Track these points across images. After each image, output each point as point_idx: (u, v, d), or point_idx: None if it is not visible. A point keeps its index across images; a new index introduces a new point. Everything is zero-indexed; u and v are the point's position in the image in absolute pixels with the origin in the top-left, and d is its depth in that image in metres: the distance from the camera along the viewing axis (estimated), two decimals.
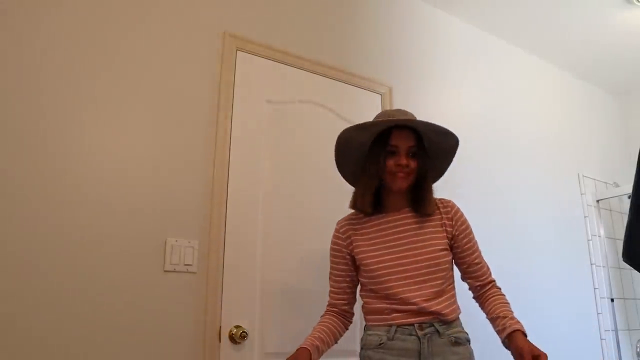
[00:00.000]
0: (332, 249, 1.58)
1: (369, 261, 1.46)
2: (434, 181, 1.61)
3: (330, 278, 1.58)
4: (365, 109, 2.42)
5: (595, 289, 3.20)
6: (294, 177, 2.07)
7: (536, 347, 1.26)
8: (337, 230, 1.58)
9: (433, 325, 1.40)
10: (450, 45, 2.93)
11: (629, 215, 1.79)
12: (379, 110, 2.49)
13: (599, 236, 3.36)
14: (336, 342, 1.53)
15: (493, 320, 1.46)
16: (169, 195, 1.75)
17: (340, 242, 1.56)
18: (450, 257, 1.51)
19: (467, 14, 2.99)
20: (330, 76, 2.32)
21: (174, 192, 1.76)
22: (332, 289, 1.57)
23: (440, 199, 1.57)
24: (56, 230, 1.53)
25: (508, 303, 1.50)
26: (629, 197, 3.04)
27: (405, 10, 2.76)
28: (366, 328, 1.49)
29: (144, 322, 1.61)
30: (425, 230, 1.48)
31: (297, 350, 1.38)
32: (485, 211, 2.75)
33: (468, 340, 1.50)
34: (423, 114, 2.64)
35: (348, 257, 1.54)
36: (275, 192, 1.99)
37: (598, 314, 3.14)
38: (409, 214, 1.52)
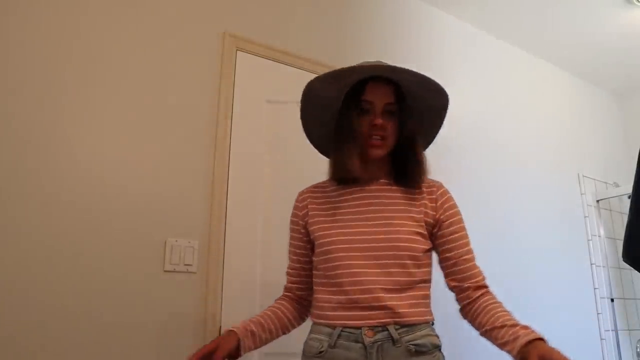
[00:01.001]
0: (290, 222, 1.32)
1: (319, 233, 1.19)
2: (426, 147, 1.37)
3: (288, 257, 1.33)
4: None
5: (595, 289, 3.20)
6: (294, 177, 2.07)
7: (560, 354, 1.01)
8: (296, 200, 1.32)
9: (387, 330, 1.08)
10: (450, 45, 2.93)
11: (629, 215, 1.79)
12: None
13: (599, 236, 3.36)
14: (286, 333, 1.28)
15: (495, 330, 1.08)
16: (169, 196, 1.75)
17: (297, 212, 1.30)
18: (428, 248, 1.21)
19: (467, 14, 2.99)
20: None
21: (174, 192, 1.76)
22: (288, 270, 1.32)
23: (428, 180, 1.29)
24: (56, 230, 1.53)
25: (511, 313, 1.15)
26: (629, 197, 3.04)
27: (405, 10, 2.76)
28: (311, 328, 1.21)
29: (144, 322, 1.61)
30: (400, 207, 1.19)
31: (225, 332, 1.14)
32: (484, 211, 2.75)
33: (437, 347, 1.18)
34: None
35: (304, 231, 1.27)
36: (275, 192, 1.99)
37: (598, 314, 3.14)
38: (384, 186, 1.24)
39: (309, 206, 1.27)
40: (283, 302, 1.28)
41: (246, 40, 2.08)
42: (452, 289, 1.24)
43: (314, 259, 1.23)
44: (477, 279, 1.21)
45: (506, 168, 2.96)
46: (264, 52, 2.12)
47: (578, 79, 3.75)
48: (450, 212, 1.23)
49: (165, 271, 1.68)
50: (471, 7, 2.93)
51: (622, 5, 2.91)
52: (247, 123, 2.00)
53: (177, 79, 1.87)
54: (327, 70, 2.37)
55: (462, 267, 1.20)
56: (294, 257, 1.30)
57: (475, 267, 1.23)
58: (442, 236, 1.21)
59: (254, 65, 2.08)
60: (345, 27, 2.47)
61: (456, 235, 1.22)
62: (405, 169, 1.21)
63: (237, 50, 2.04)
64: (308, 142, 2.18)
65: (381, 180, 1.25)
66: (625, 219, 1.85)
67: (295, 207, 1.31)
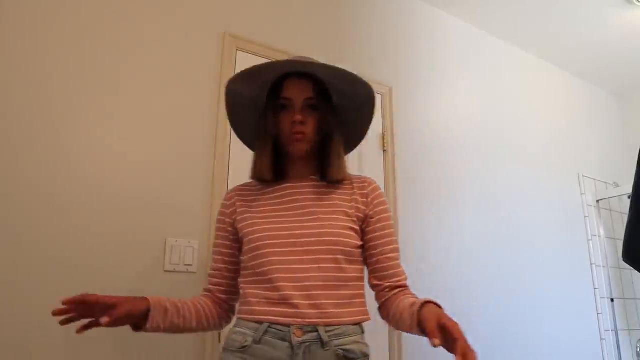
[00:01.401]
0: (217, 222, 1.28)
1: (247, 230, 1.15)
2: (354, 146, 1.35)
3: (213, 258, 1.27)
4: None
5: (595, 289, 3.20)
6: None
7: (447, 316, 0.92)
8: (224, 199, 1.29)
9: (317, 331, 1.03)
10: (450, 45, 2.93)
11: (629, 215, 1.79)
12: (379, 111, 2.49)
13: (599, 236, 3.36)
14: (200, 328, 1.17)
15: (402, 318, 1.06)
16: (169, 196, 1.75)
17: (224, 211, 1.26)
18: (361, 244, 1.17)
19: (467, 14, 2.99)
20: None
21: (174, 192, 1.76)
22: (211, 271, 1.26)
23: (359, 176, 1.26)
24: (56, 230, 1.53)
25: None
26: (629, 197, 3.04)
27: (405, 10, 2.76)
28: (235, 323, 1.14)
29: None
30: (330, 202, 1.16)
31: (134, 298, 1.03)
32: (484, 211, 2.75)
33: (366, 356, 1.11)
34: (423, 114, 2.64)
35: (231, 229, 1.23)
36: None
37: (598, 314, 3.14)
38: (314, 182, 1.21)
39: (236, 204, 1.23)
40: (203, 298, 1.22)
41: (246, 40, 2.08)
42: (372, 287, 1.20)
43: (243, 257, 1.17)
44: (398, 279, 1.17)
45: (506, 168, 2.96)
46: (264, 52, 2.12)
47: (578, 79, 3.75)
48: (380, 208, 1.20)
49: (165, 271, 1.68)
50: (472, 8, 2.93)
51: (622, 5, 2.91)
52: None
53: (177, 79, 1.87)
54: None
55: (384, 265, 1.17)
56: (219, 258, 1.25)
57: (398, 266, 1.19)
58: (369, 232, 1.18)
59: (254, 65, 2.08)
60: (346, 27, 2.47)
61: (383, 232, 1.18)
62: (328, 164, 1.19)
63: (237, 50, 2.04)
64: None
65: (311, 177, 1.23)
66: (625, 219, 1.85)
67: (223, 206, 1.27)
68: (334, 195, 1.18)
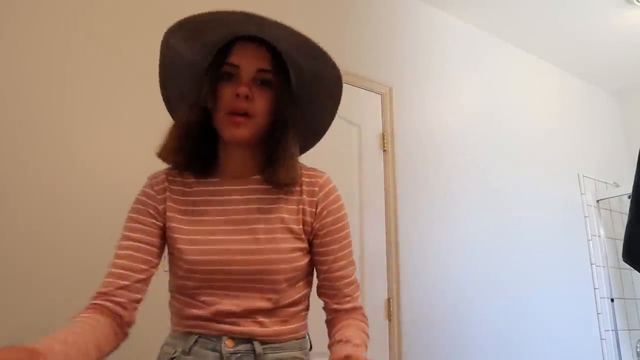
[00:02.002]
0: (134, 210, 0.96)
1: (185, 247, 0.91)
2: (309, 145, 1.09)
3: (116, 253, 0.94)
4: (366, 109, 2.43)
5: (595, 289, 3.20)
6: None
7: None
8: (149, 185, 0.98)
9: (251, 342, 0.91)
10: (450, 45, 2.93)
11: (629, 215, 1.79)
12: (379, 111, 2.49)
13: (599, 236, 3.36)
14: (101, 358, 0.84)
15: (332, 346, 0.93)
16: None
17: (149, 202, 0.95)
18: (308, 260, 0.97)
19: (467, 14, 2.99)
20: None
21: None
22: (113, 270, 0.91)
23: (310, 169, 1.01)
24: (57, 230, 1.53)
25: (367, 335, 0.99)
26: (629, 197, 3.04)
27: (405, 10, 2.76)
28: (169, 334, 1.01)
29: (145, 322, 1.61)
30: (274, 215, 0.93)
31: (20, 349, 0.67)
32: (484, 211, 2.75)
33: None
34: (423, 114, 2.64)
35: (160, 224, 0.95)
36: None
37: (598, 314, 3.14)
38: (256, 185, 0.95)
39: (167, 201, 0.95)
40: (98, 316, 0.86)
41: None
42: (320, 296, 1.01)
43: (172, 265, 0.95)
44: (345, 300, 0.98)
45: (506, 168, 2.96)
46: None
47: (578, 79, 3.75)
48: (330, 219, 0.97)
49: (165, 271, 1.67)
50: (472, 8, 2.93)
51: (622, 5, 2.91)
52: None
53: None
54: None
55: (331, 284, 0.97)
56: (131, 254, 0.91)
57: (347, 285, 0.98)
58: (316, 246, 0.97)
59: None
60: (346, 27, 2.47)
61: (331, 247, 0.97)
62: (275, 161, 0.92)
63: None
64: None
65: (254, 177, 0.96)
66: (625, 219, 1.85)
67: (147, 195, 0.96)
68: (279, 205, 0.94)
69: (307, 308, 1.01)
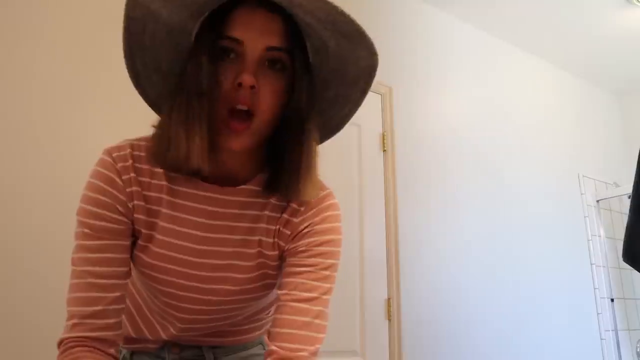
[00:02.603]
0: (94, 201, 0.70)
1: (148, 261, 0.73)
2: (326, 137, 0.85)
3: (77, 263, 0.68)
4: (365, 109, 2.42)
5: (595, 289, 3.20)
6: None
7: None
8: (116, 171, 0.70)
9: (200, 347, 0.81)
10: (450, 45, 2.93)
11: (629, 215, 1.79)
12: (379, 111, 2.49)
13: (599, 236, 3.36)
14: None
15: None
16: None
17: (116, 193, 0.70)
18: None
19: (467, 14, 2.99)
20: None
21: None
22: (92, 295, 0.67)
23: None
24: (58, 230, 1.52)
25: None
26: (629, 197, 3.04)
27: (405, 10, 2.76)
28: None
29: None
30: (253, 249, 0.74)
31: None
32: (484, 211, 2.75)
33: None
34: (423, 114, 2.64)
35: (127, 221, 0.71)
36: None
37: (598, 314, 3.14)
38: (250, 198, 0.74)
39: (135, 198, 0.71)
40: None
41: None
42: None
43: (137, 270, 0.76)
44: (296, 354, 0.67)
45: (506, 167, 2.96)
46: None
47: (578, 79, 3.75)
48: (313, 240, 0.72)
49: None
50: (472, 8, 2.93)
51: (622, 5, 2.91)
52: None
53: None
54: None
55: (289, 318, 0.69)
56: (106, 271, 0.68)
57: (309, 328, 0.68)
58: (288, 264, 0.73)
59: None
60: None
61: (307, 268, 0.71)
62: (278, 172, 0.71)
63: None
64: None
65: (246, 187, 0.74)
66: (626, 219, 1.85)
67: (112, 183, 0.70)
68: (260, 225, 0.74)
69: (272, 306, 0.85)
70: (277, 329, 0.68)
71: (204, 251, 0.72)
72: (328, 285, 0.71)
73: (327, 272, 0.71)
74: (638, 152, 1.76)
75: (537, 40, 3.26)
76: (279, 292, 0.71)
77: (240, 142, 0.65)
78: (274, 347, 0.66)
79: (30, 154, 1.54)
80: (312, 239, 0.72)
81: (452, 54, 2.92)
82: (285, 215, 0.74)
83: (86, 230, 0.68)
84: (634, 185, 1.76)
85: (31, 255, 1.48)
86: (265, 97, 0.64)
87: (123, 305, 0.71)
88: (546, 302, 2.88)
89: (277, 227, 0.74)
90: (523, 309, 2.75)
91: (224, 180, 0.72)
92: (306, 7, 0.64)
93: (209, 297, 0.74)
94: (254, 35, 0.64)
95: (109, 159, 0.71)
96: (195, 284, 0.73)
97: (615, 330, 3.17)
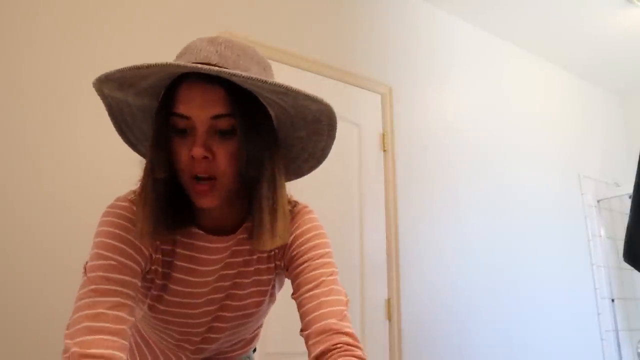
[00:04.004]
0: (118, 237, 0.73)
1: (170, 310, 0.81)
2: (314, 167, 0.86)
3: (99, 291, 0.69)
4: (365, 109, 2.43)
5: (595, 289, 3.19)
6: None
7: None
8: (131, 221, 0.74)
9: None
10: (450, 44, 2.93)
11: (629, 215, 1.78)
12: (379, 111, 2.49)
13: (600, 236, 3.35)
14: None
15: None
16: None
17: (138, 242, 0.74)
18: (275, 296, 0.90)
19: (468, 14, 2.99)
20: (330, 76, 2.31)
21: None
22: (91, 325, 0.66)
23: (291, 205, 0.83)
24: (58, 230, 1.52)
25: None
26: (629, 197, 3.03)
27: (405, 10, 2.76)
28: None
29: None
30: (245, 280, 0.82)
31: None
32: (484, 211, 2.75)
33: None
34: (423, 114, 2.64)
35: (143, 268, 0.75)
36: None
37: (598, 314, 3.14)
38: (236, 248, 0.81)
39: (155, 251, 0.77)
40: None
41: (246, 40, 2.08)
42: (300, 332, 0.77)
43: (151, 316, 0.83)
44: (324, 324, 0.69)
45: (506, 168, 2.96)
46: (264, 52, 2.11)
47: (578, 79, 3.75)
48: (299, 242, 0.79)
49: None
50: (472, 8, 2.93)
51: (622, 5, 2.90)
52: None
53: None
54: (326, 70, 2.39)
55: (307, 307, 0.73)
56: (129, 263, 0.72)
57: (323, 305, 0.71)
58: (291, 272, 0.79)
59: None
60: (346, 27, 2.46)
61: (304, 265, 0.76)
62: (260, 227, 0.73)
63: None
64: None
65: (239, 229, 0.80)
66: (626, 219, 1.84)
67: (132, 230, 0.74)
68: (252, 265, 0.82)
69: (262, 325, 0.97)
70: (304, 320, 0.73)
71: (207, 292, 0.80)
72: (329, 270, 0.76)
73: (323, 260, 0.76)
74: (639, 151, 1.75)
75: (537, 39, 3.26)
76: (293, 295, 0.77)
77: (208, 202, 0.70)
78: (307, 333, 0.71)
79: (21, 156, 1.54)
80: (298, 242, 0.78)
81: (452, 53, 2.92)
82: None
83: (112, 263, 0.71)
84: (634, 185, 1.75)
85: (23, 256, 1.47)
86: (221, 161, 0.69)
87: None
88: (546, 302, 2.88)
89: (270, 257, 0.82)
90: (523, 309, 2.75)
91: (219, 230, 0.79)
92: (238, 80, 0.66)
93: (217, 324, 0.84)
94: (197, 109, 0.67)
95: (126, 208, 0.76)
96: (204, 320, 0.82)
97: (616, 331, 3.17)
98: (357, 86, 2.40)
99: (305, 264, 0.76)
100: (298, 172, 0.85)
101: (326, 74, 2.30)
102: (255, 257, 0.81)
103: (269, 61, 0.80)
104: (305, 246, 0.77)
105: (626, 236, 1.77)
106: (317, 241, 0.78)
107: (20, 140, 1.54)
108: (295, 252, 0.78)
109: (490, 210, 2.78)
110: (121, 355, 0.64)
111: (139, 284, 0.73)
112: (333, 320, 0.69)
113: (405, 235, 2.35)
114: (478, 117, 2.92)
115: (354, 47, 2.46)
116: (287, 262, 0.80)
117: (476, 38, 3.09)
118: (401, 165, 2.44)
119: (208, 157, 0.68)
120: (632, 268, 1.88)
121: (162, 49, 1.86)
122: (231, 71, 0.63)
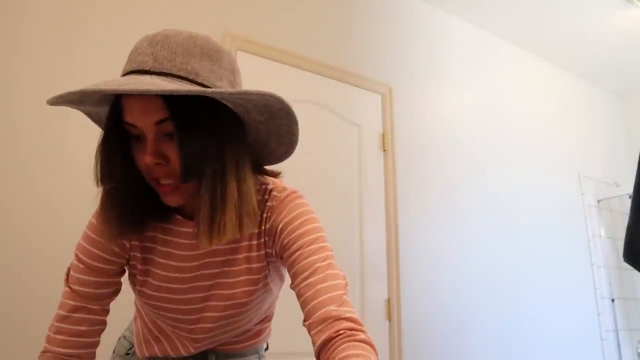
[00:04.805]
0: (89, 238, 0.81)
1: (157, 295, 0.83)
2: (288, 153, 0.84)
3: (75, 283, 0.80)
4: (365, 109, 2.43)
5: (595, 289, 3.19)
6: (293, 177, 2.06)
7: None
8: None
9: (205, 354, 0.90)
10: (450, 45, 2.93)
11: (630, 215, 1.78)
12: (379, 111, 2.49)
13: (600, 236, 3.35)
14: None
15: None
16: None
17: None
18: (271, 286, 0.87)
19: (467, 14, 2.99)
20: (330, 76, 2.31)
21: None
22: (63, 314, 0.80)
23: (277, 189, 0.82)
24: (59, 231, 1.52)
25: None
26: (629, 197, 3.03)
27: (405, 10, 2.76)
28: (128, 326, 1.05)
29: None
30: (234, 268, 0.82)
31: None
32: (484, 211, 2.75)
33: None
34: (423, 114, 2.64)
35: (122, 260, 0.83)
36: None
37: (598, 314, 3.14)
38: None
39: (132, 238, 0.82)
40: None
41: (246, 40, 2.08)
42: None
43: (141, 302, 0.87)
44: (324, 312, 0.68)
45: (506, 168, 2.96)
46: (264, 52, 2.12)
47: (578, 79, 3.75)
48: (289, 229, 0.77)
49: None
50: (472, 8, 2.93)
51: (622, 5, 2.90)
52: None
53: None
54: (326, 70, 2.40)
55: (305, 296, 0.72)
56: (98, 282, 0.81)
57: (321, 292, 0.70)
58: (285, 261, 0.78)
59: (254, 65, 2.08)
60: (345, 27, 2.46)
61: (297, 253, 0.75)
62: (211, 220, 0.71)
63: (237, 50, 2.04)
64: (309, 141, 2.19)
65: None
66: (626, 219, 1.84)
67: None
68: (242, 244, 0.81)
69: (271, 317, 0.96)
70: (304, 310, 0.72)
71: (190, 279, 0.81)
72: (323, 254, 0.74)
73: (316, 245, 0.75)
74: (639, 151, 1.75)
75: (537, 40, 3.26)
76: (291, 286, 0.76)
77: (174, 200, 0.72)
78: (308, 323, 0.70)
79: (17, 156, 1.54)
80: (288, 230, 0.77)
81: (452, 53, 2.92)
82: (264, 227, 0.80)
83: (81, 266, 0.80)
84: (634, 185, 1.75)
85: (21, 256, 1.47)
86: (176, 164, 0.69)
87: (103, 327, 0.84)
88: (546, 302, 2.88)
89: (261, 240, 0.81)
90: (523, 310, 2.74)
91: (190, 213, 0.81)
92: (157, 91, 0.64)
93: (208, 314, 0.83)
94: (140, 117, 0.67)
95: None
96: (192, 307, 0.83)
97: (616, 331, 3.17)
98: (357, 86, 2.40)
99: (298, 252, 0.75)
100: (276, 155, 0.83)
101: (326, 74, 2.30)
102: (244, 244, 0.81)
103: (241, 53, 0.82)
104: (296, 233, 0.76)
105: (626, 236, 1.77)
106: (307, 227, 0.77)
107: (15, 141, 1.54)
108: (286, 241, 0.76)
109: (490, 210, 2.78)
110: (77, 352, 0.78)
111: (116, 279, 0.82)
112: (332, 307, 0.68)
113: (405, 235, 2.35)
114: (478, 117, 2.92)
115: (354, 47, 2.46)
116: (279, 251, 0.78)
117: (476, 38, 3.09)
118: (401, 165, 2.44)
119: (161, 162, 0.69)
120: (632, 268, 1.88)
121: None
122: (141, 89, 0.60)
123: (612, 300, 3.24)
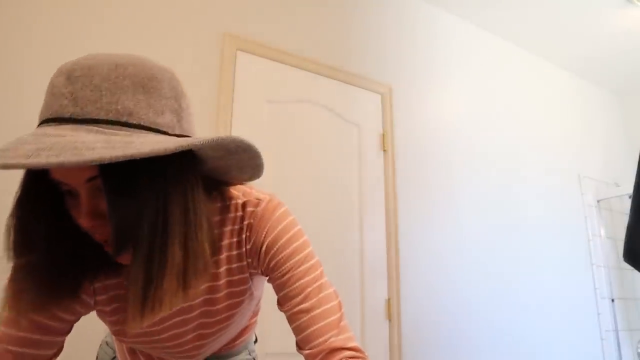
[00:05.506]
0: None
1: (137, 340, 0.79)
2: (257, 174, 0.73)
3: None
4: (366, 109, 2.43)
5: (595, 289, 3.19)
6: (293, 177, 2.07)
7: None
8: None
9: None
10: (450, 44, 2.93)
11: (629, 215, 1.78)
12: (379, 111, 2.49)
13: (600, 236, 3.35)
14: None
15: None
16: None
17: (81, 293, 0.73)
18: (255, 293, 0.82)
19: (467, 13, 2.99)
20: (330, 76, 2.32)
21: None
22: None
23: (253, 198, 0.76)
24: None
25: None
26: (629, 197, 3.03)
27: (405, 9, 2.76)
28: (107, 336, 1.01)
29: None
30: (217, 295, 0.75)
31: None
32: (484, 212, 2.75)
33: None
34: (423, 114, 2.64)
35: (82, 313, 0.76)
36: (274, 192, 1.98)
37: (598, 314, 3.14)
38: None
39: (97, 292, 0.74)
40: None
41: (246, 40, 2.08)
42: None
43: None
44: (321, 341, 0.67)
45: (506, 168, 2.96)
46: (264, 52, 2.12)
47: (578, 79, 3.75)
48: (274, 250, 0.72)
49: None
50: (472, 7, 2.93)
51: (622, 5, 2.90)
52: (247, 123, 2.00)
53: None
54: (326, 70, 2.39)
55: (299, 322, 0.69)
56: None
57: (317, 319, 0.68)
58: (273, 281, 0.74)
59: (254, 65, 2.08)
60: (345, 27, 2.46)
61: (287, 276, 0.71)
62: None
63: (237, 50, 2.04)
64: (309, 141, 2.19)
65: None
66: (626, 219, 1.84)
67: None
68: (228, 279, 0.75)
69: (258, 311, 0.94)
70: (298, 337, 0.69)
71: (171, 315, 0.74)
72: (314, 274, 0.71)
73: (305, 266, 0.71)
74: (639, 151, 1.75)
75: (537, 39, 3.26)
76: (280, 307, 0.72)
77: (123, 260, 0.61)
78: (307, 352, 0.67)
79: None
80: (274, 250, 0.71)
81: (452, 53, 2.92)
82: (244, 236, 0.73)
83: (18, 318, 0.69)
84: (634, 185, 1.75)
85: None
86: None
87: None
88: (546, 302, 2.88)
89: (243, 248, 0.74)
90: (523, 309, 2.75)
91: None
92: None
93: (199, 342, 0.80)
94: (68, 175, 0.58)
95: None
96: (182, 340, 0.78)
97: (616, 331, 3.17)
98: (356, 86, 2.40)
99: (288, 275, 0.70)
100: (239, 180, 0.74)
101: (326, 74, 2.30)
102: (222, 269, 0.73)
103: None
104: (283, 254, 0.70)
105: (626, 236, 1.77)
106: (294, 245, 0.72)
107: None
108: (273, 263, 0.71)
109: (490, 210, 2.78)
110: None
111: (62, 338, 0.74)
112: (332, 338, 0.65)
113: (405, 235, 2.35)
114: (478, 117, 2.92)
115: (353, 47, 2.46)
116: (265, 271, 0.73)
117: (476, 37, 3.09)
118: (401, 165, 2.44)
119: (98, 222, 0.58)
120: (632, 268, 1.89)
121: (163, 49, 1.86)
122: (54, 162, 0.48)
123: (612, 300, 3.24)
